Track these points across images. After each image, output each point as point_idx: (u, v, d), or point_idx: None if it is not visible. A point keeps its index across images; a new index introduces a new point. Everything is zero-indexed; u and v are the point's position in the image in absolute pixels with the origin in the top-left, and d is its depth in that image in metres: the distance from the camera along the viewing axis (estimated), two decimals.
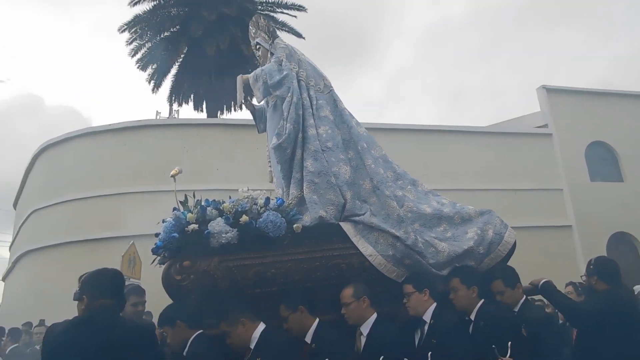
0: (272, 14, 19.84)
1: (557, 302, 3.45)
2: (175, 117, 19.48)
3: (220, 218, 3.20)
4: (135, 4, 18.86)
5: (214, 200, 3.38)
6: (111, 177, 12.30)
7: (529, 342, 2.95)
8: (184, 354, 2.88)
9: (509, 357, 2.70)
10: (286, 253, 3.26)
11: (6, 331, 8.05)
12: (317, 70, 4.20)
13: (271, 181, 4.29)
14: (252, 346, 2.87)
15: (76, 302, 2.65)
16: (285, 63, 4.00)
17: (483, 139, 14.96)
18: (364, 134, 3.96)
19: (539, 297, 3.80)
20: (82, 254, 11.58)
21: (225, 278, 3.10)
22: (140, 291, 4.13)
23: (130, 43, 19.21)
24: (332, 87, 4.16)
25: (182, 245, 3.16)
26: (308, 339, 2.99)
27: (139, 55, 19.45)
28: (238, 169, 11.86)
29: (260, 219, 3.25)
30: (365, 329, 3.05)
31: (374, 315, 3.08)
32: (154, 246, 3.26)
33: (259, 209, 3.34)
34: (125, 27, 18.83)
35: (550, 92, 15.99)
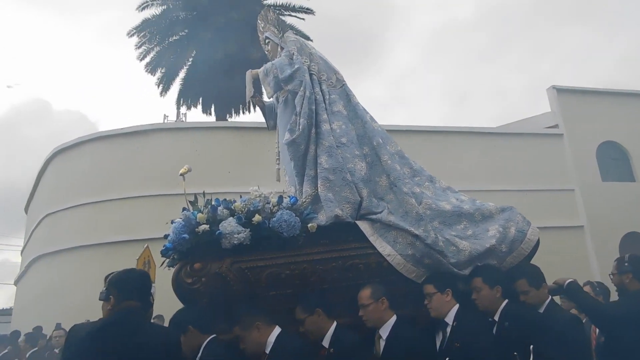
0: (280, 16, 19.79)
1: (584, 303, 3.30)
2: (182, 121, 19.48)
3: (231, 218, 3.07)
4: (144, 8, 18.94)
5: (225, 199, 3.26)
6: (123, 181, 12.34)
7: (555, 345, 2.79)
8: (197, 359, 2.74)
9: None
10: (301, 254, 3.12)
11: (21, 336, 8.03)
12: (328, 64, 4.06)
13: (278, 180, 4.16)
14: (267, 351, 2.74)
15: (101, 302, 2.58)
16: (297, 56, 3.87)
17: (493, 140, 14.87)
18: (378, 129, 3.82)
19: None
20: (95, 257, 11.62)
21: (238, 280, 2.97)
22: None
23: (139, 47, 19.26)
24: (344, 81, 4.03)
25: (192, 246, 3.03)
26: (326, 342, 2.87)
27: (147, 59, 19.51)
28: (249, 172, 11.78)
29: (274, 219, 3.11)
30: (384, 332, 2.92)
31: (394, 318, 2.95)
32: (163, 248, 3.14)
33: (272, 208, 3.21)
34: (134, 31, 18.90)
35: (561, 92, 15.85)
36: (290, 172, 3.77)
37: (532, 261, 3.53)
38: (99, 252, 11.67)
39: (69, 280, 11.65)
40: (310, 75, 3.81)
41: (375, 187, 3.53)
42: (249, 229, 3.05)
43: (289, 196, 3.40)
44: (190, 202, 3.27)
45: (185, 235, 2.99)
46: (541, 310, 3.10)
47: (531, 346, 2.68)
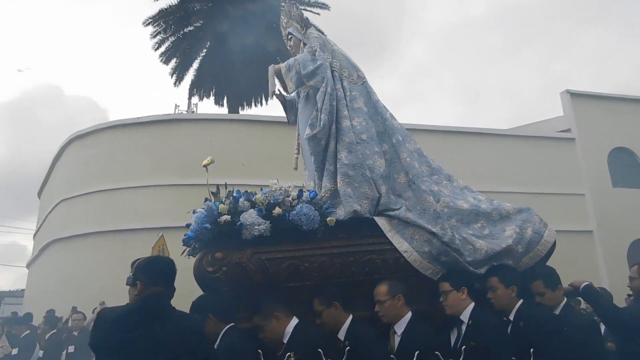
0: None
1: (600, 307, 3.30)
2: (193, 111, 19.57)
3: (252, 210, 3.13)
4: None
5: (246, 191, 3.31)
6: (139, 170, 12.43)
7: (571, 347, 2.81)
8: (215, 347, 2.80)
9: None
10: (320, 247, 3.17)
11: (41, 318, 8.17)
12: (350, 61, 4.09)
13: (296, 168, 4.20)
14: (285, 341, 2.80)
15: (128, 287, 2.63)
16: (319, 53, 3.90)
17: (505, 142, 14.87)
18: (398, 126, 3.85)
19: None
20: (109, 244, 11.79)
21: (257, 270, 3.03)
22: None
23: (155, 36, 19.35)
24: (365, 78, 4.06)
25: (213, 236, 3.09)
26: (341, 335, 2.91)
27: (162, 49, 19.61)
28: (263, 165, 11.93)
29: (294, 212, 3.16)
30: (399, 327, 2.95)
31: (409, 314, 2.98)
32: (185, 236, 3.19)
33: (292, 201, 3.26)
34: (150, 20, 18.97)
35: (574, 97, 15.80)
36: (310, 167, 3.81)
37: None
38: (113, 239, 11.83)
39: (83, 265, 11.80)
40: (332, 71, 3.85)
41: (393, 184, 3.56)
42: (269, 221, 3.10)
43: (309, 190, 3.45)
44: (212, 192, 3.31)
45: (208, 225, 3.04)
46: (557, 312, 3.11)
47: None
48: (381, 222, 3.36)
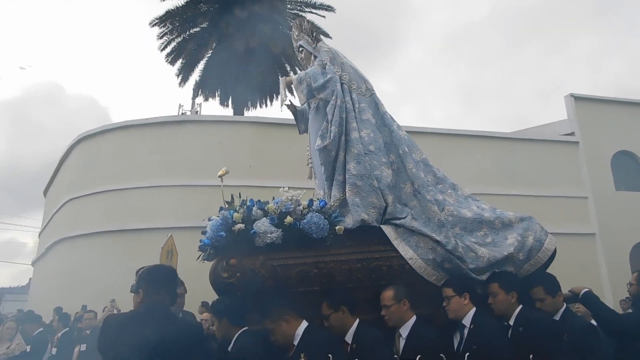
0: (301, 13, 19.95)
1: (599, 313, 3.41)
2: (197, 112, 19.69)
3: (265, 218, 3.28)
4: None
5: (259, 200, 3.46)
6: (147, 170, 12.53)
7: (570, 352, 2.95)
8: (229, 349, 2.97)
9: None
10: (328, 254, 3.33)
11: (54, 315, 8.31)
12: (359, 73, 4.24)
13: (310, 177, 4.36)
14: (295, 343, 2.94)
15: (132, 294, 2.80)
16: (329, 66, 4.04)
17: (509, 144, 14.91)
18: (404, 137, 4.00)
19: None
20: (117, 243, 11.88)
21: (269, 276, 3.18)
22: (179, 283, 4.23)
23: (161, 37, 19.52)
24: (373, 90, 4.21)
25: (228, 243, 3.24)
26: (348, 338, 3.06)
27: (168, 50, 19.76)
28: (271, 166, 12.06)
29: (304, 220, 3.32)
30: (404, 331, 3.10)
31: (414, 318, 3.13)
32: (201, 243, 3.35)
33: (302, 210, 3.41)
34: (157, 21, 19.12)
35: (578, 100, 15.84)
36: (320, 176, 3.96)
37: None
38: (121, 239, 11.94)
39: (90, 264, 11.88)
40: (342, 84, 3.99)
41: (400, 193, 3.72)
42: (280, 229, 3.26)
43: (319, 199, 3.61)
44: (227, 201, 3.47)
45: (223, 233, 3.20)
46: (557, 318, 3.24)
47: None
48: (387, 230, 3.51)
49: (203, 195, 11.25)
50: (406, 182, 3.74)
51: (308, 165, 4.33)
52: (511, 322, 3.16)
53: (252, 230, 3.21)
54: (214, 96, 21.40)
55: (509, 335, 3.10)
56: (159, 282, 2.69)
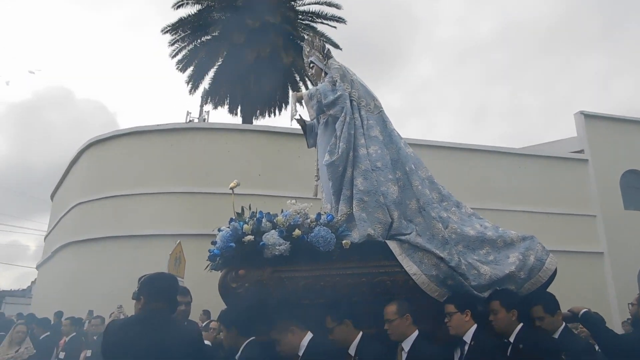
0: (312, 23, 20.17)
1: (598, 333, 3.45)
2: (205, 119, 19.84)
3: (274, 230, 3.38)
4: (179, 6, 19.42)
5: (268, 213, 3.56)
6: (156, 176, 12.65)
7: None
8: (236, 358, 3.06)
9: None
10: (334, 267, 3.41)
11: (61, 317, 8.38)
12: (368, 90, 4.34)
13: (316, 195, 4.45)
14: (300, 353, 3.02)
15: (134, 300, 2.90)
16: (339, 84, 4.14)
17: (518, 160, 14.95)
18: (411, 154, 4.09)
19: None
20: (124, 249, 12.00)
21: (276, 288, 3.28)
22: (184, 291, 4.30)
23: (173, 44, 19.77)
24: (381, 107, 4.30)
25: (237, 254, 3.34)
26: (352, 351, 3.13)
27: (179, 57, 20.01)
28: (279, 176, 12.18)
29: (312, 234, 3.41)
30: (406, 345, 3.16)
31: (416, 332, 3.19)
32: (211, 253, 3.45)
33: (310, 223, 3.51)
34: (169, 28, 19.38)
35: (588, 118, 15.90)
36: (327, 190, 4.05)
37: (550, 286, 3.75)
38: (128, 244, 12.05)
39: (96, 270, 11.99)
40: (351, 101, 4.09)
41: (405, 209, 3.80)
42: (289, 242, 3.35)
43: (326, 213, 3.70)
44: (237, 213, 3.57)
45: (232, 244, 3.30)
46: (556, 336, 3.29)
47: None
48: (392, 245, 3.59)
49: (211, 203, 11.40)
50: (412, 199, 3.82)
51: (315, 181, 4.42)
52: (511, 340, 3.21)
53: (261, 242, 3.31)
54: (223, 104, 21.61)
55: (509, 353, 3.15)
56: (160, 290, 2.79)
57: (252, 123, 19.99)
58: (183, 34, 19.81)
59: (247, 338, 3.12)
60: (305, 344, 3.05)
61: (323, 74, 4.41)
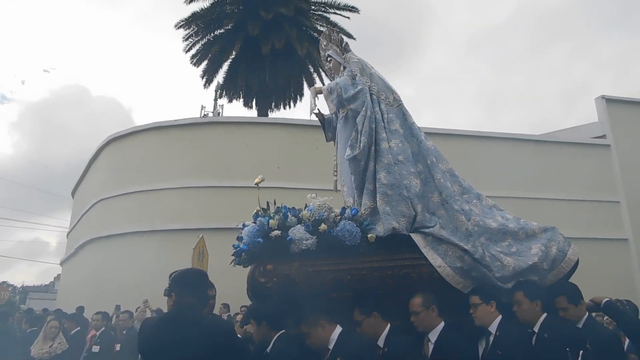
0: (325, 14, 20.09)
1: (623, 321, 3.47)
2: (219, 113, 19.91)
3: (299, 225, 3.44)
4: (192, 1, 19.45)
5: (293, 207, 3.62)
6: (176, 171, 12.74)
7: (592, 358, 3.04)
8: (267, 351, 3.14)
9: None
10: (361, 261, 3.47)
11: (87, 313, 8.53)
12: (386, 84, 4.35)
13: (336, 189, 4.50)
14: (330, 347, 3.09)
15: (165, 297, 2.97)
16: (359, 77, 4.17)
17: (539, 147, 14.72)
18: (432, 147, 4.12)
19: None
20: (147, 243, 12.14)
21: (304, 282, 3.34)
22: (210, 285, 4.40)
23: (187, 39, 19.82)
24: (401, 100, 4.32)
25: (264, 249, 3.41)
26: (380, 342, 3.20)
27: (193, 51, 20.08)
28: (298, 168, 12.24)
29: (337, 228, 3.47)
30: (433, 336, 3.22)
31: (442, 324, 3.25)
32: (238, 248, 3.53)
33: (335, 217, 3.56)
34: (183, 23, 19.43)
35: (609, 103, 15.57)
36: (349, 184, 4.10)
37: (575, 273, 3.78)
38: (151, 239, 12.20)
39: (121, 265, 12.17)
40: (370, 95, 4.12)
41: (428, 202, 3.84)
42: (315, 237, 3.42)
43: (351, 208, 3.75)
44: (262, 208, 3.64)
45: (260, 239, 3.38)
46: (580, 326, 3.32)
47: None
48: (417, 238, 3.65)
49: (231, 197, 11.51)
50: (434, 192, 3.86)
51: (334, 175, 4.46)
52: (535, 330, 3.25)
53: (288, 237, 3.37)
54: (238, 98, 21.68)
55: (534, 342, 3.19)
56: (190, 285, 2.83)
57: (267, 116, 20.04)
58: (196, 28, 19.84)
59: (278, 332, 3.19)
60: (335, 338, 3.11)
61: (342, 68, 4.43)
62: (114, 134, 14.62)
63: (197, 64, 20.38)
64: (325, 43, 4.72)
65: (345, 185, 4.27)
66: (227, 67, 20.49)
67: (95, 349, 6.51)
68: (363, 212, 3.71)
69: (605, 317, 4.97)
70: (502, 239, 3.77)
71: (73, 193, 19.43)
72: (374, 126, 3.96)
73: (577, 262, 3.79)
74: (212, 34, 20.06)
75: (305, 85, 20.88)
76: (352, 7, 19.65)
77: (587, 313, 3.42)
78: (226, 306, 9.54)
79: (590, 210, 13.97)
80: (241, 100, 21.74)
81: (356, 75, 4.20)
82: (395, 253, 3.57)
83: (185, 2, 19.39)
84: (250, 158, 12.25)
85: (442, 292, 3.42)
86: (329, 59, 4.61)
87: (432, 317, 3.24)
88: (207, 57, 20.05)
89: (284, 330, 3.21)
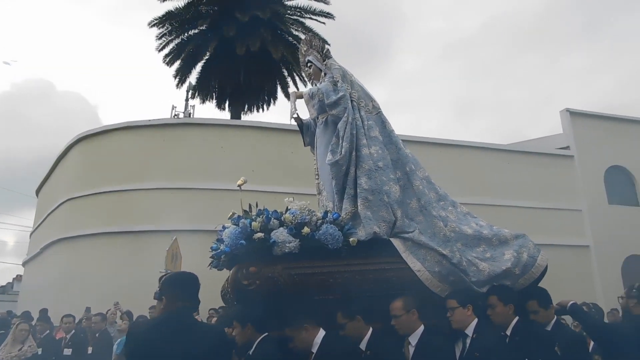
0: (301, 19, 20.14)
1: (588, 323, 3.63)
2: (190, 113, 19.67)
3: (282, 228, 3.48)
4: None
5: (275, 210, 3.65)
6: (149, 172, 12.58)
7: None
8: (250, 353, 3.14)
9: None
10: (343, 264, 3.54)
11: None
12: (366, 91, 4.44)
13: (319, 193, 4.55)
14: (314, 350, 3.11)
15: (156, 300, 2.94)
16: (341, 84, 4.23)
17: (506, 157, 15.28)
18: (410, 155, 4.23)
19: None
20: (118, 245, 11.94)
21: (288, 284, 3.38)
22: None
23: (160, 38, 19.54)
24: (380, 108, 4.41)
25: (247, 252, 3.42)
26: (363, 346, 3.24)
27: (166, 50, 19.82)
28: (272, 171, 12.20)
29: (320, 231, 3.52)
30: (413, 339, 3.27)
31: (422, 327, 3.31)
32: (218, 250, 3.53)
33: (317, 221, 3.61)
34: (156, 21, 19.15)
35: (574, 115, 16.32)
36: (329, 189, 4.15)
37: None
38: (122, 240, 12.00)
39: (89, 266, 11.90)
40: (351, 101, 4.20)
41: (406, 209, 3.94)
42: (298, 239, 3.46)
43: (332, 212, 3.81)
44: (244, 210, 3.65)
45: (243, 242, 3.39)
46: (549, 328, 3.47)
47: None
48: (397, 243, 3.74)
49: (205, 199, 11.41)
50: (412, 198, 3.97)
51: (315, 179, 4.51)
52: (508, 332, 3.36)
53: (272, 240, 3.40)
54: (210, 99, 21.49)
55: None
56: (183, 289, 2.75)
57: (240, 118, 19.93)
58: (170, 27, 19.58)
59: (262, 334, 3.19)
60: (319, 341, 3.13)
61: (322, 74, 4.48)
62: (85, 132, 14.29)
63: (170, 63, 20.13)
64: (305, 49, 4.76)
65: (324, 189, 4.32)
66: (200, 68, 20.31)
67: (67, 351, 6.35)
68: (344, 216, 3.78)
69: (573, 321, 5.17)
70: (477, 245, 3.90)
71: (37, 191, 18.88)
72: (355, 132, 4.04)
73: (546, 268, 3.95)
74: (186, 34, 19.86)
75: (279, 89, 20.89)
76: (328, 13, 19.78)
77: (555, 317, 3.57)
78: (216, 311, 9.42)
79: (554, 218, 14.48)
80: (214, 101, 21.58)
81: (337, 81, 4.26)
82: (376, 257, 3.65)
83: (159, 0, 19.17)
84: (224, 160, 12.19)
85: (421, 296, 3.49)
86: (309, 64, 4.64)
87: (412, 321, 3.30)
88: (181, 56, 19.82)
89: (267, 333, 3.22)
